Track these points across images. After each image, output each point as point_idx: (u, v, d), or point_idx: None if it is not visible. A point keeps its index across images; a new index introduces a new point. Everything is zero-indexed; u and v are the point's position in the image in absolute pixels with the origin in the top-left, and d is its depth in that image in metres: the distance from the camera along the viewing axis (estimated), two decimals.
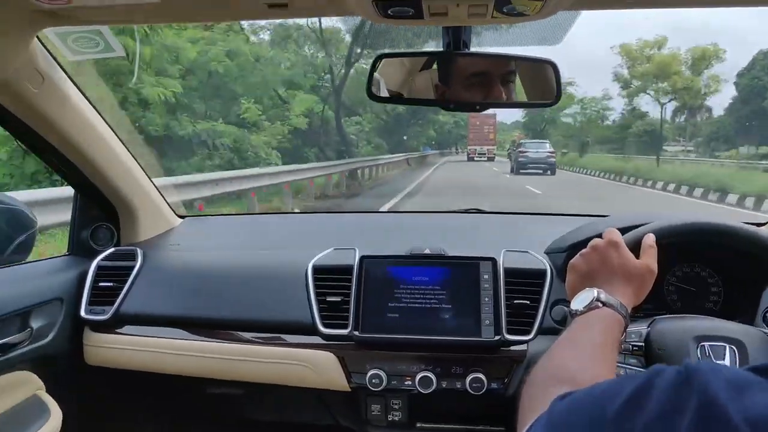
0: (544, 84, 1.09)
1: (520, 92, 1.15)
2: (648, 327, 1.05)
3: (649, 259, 0.94)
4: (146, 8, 0.94)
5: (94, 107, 1.39)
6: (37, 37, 1.15)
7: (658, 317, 1.07)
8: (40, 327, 1.38)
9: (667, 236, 1.07)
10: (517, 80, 1.14)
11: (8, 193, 1.51)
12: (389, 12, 0.88)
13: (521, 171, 23.01)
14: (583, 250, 0.97)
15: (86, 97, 1.36)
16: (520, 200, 13.33)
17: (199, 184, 8.61)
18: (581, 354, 0.78)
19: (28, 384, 1.34)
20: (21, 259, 1.34)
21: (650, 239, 0.97)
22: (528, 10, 0.88)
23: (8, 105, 1.20)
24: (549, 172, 23.36)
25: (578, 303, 0.89)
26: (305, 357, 1.36)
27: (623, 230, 1.06)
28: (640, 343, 1.03)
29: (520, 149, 25.42)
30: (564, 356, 0.78)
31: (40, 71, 1.18)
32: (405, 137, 31.43)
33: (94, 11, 0.97)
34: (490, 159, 36.42)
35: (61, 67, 1.25)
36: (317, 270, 1.40)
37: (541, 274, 1.35)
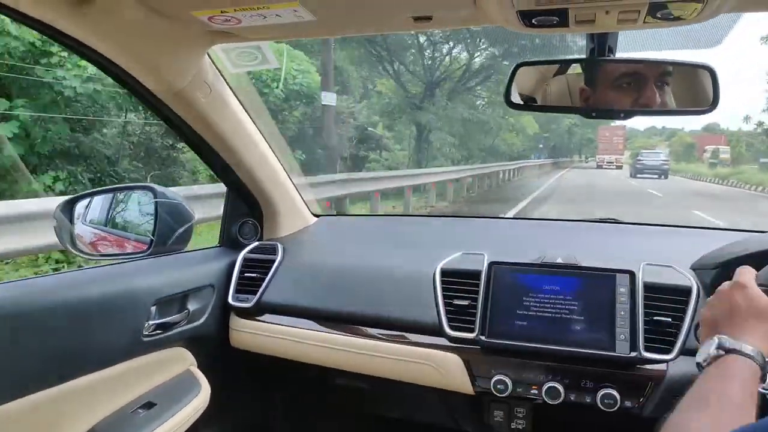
0: (698, 90, 1.02)
1: (670, 98, 1.08)
2: None
3: None
4: (304, 25, 1.03)
5: (249, 115, 1.53)
6: (208, 53, 1.29)
7: None
8: (195, 310, 1.52)
9: None
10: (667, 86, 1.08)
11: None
12: (533, 21, 0.88)
13: (638, 175, 27.29)
14: (710, 298, 0.91)
15: (243, 106, 1.50)
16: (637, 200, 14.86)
17: (328, 184, 9.15)
18: (712, 417, 0.71)
19: (184, 359, 1.49)
20: (180, 249, 1.46)
21: None
22: (685, 14, 0.85)
23: (180, 112, 1.36)
24: (663, 176, 27.17)
25: (701, 354, 0.82)
26: (430, 357, 1.39)
27: None
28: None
29: (637, 158, 30.43)
30: (691, 422, 0.72)
31: (208, 83, 1.33)
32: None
33: (258, 29, 1.08)
34: (618, 167, 36.81)
35: (224, 78, 1.40)
36: (445, 273, 1.43)
37: (686, 291, 1.26)
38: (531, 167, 28.09)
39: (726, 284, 0.90)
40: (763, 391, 0.87)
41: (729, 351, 0.80)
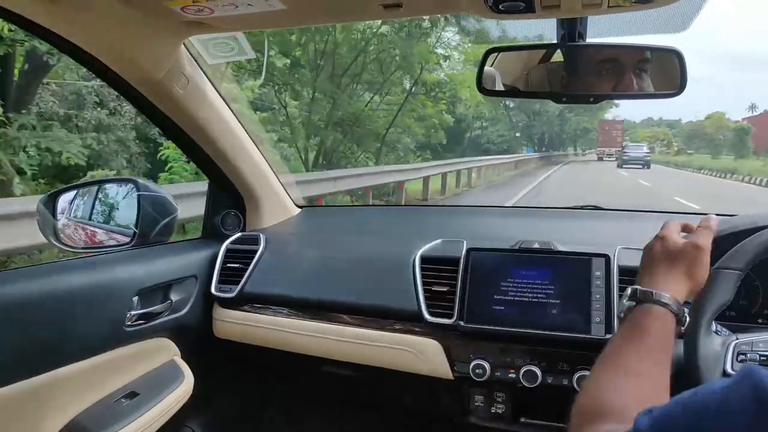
0: (667, 74, 1.04)
1: (648, 83, 1.10)
2: None
3: (697, 237, 0.87)
4: (275, 15, 1.04)
5: (228, 106, 1.53)
6: (184, 43, 1.30)
7: None
8: (178, 300, 1.53)
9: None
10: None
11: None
12: (500, 7, 0.89)
13: (624, 165, 31.23)
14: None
15: (222, 97, 1.50)
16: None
17: (319, 181, 9.11)
18: (623, 376, 0.72)
19: (167, 350, 1.50)
20: (164, 240, 1.49)
21: (709, 220, 0.91)
22: None
23: (158, 104, 1.37)
24: (645, 166, 31.09)
25: (618, 307, 0.86)
26: (411, 343, 1.41)
27: (738, 233, 0.99)
28: None
29: (623, 150, 35.53)
30: (606, 381, 0.73)
31: (185, 74, 1.33)
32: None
33: (232, 19, 1.09)
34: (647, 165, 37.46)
35: (202, 69, 1.40)
36: (424, 260, 1.44)
37: None
38: (499, 166, 22.99)
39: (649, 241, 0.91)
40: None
41: (641, 301, 0.80)
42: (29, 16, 1.02)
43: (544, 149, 40.78)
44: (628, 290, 0.83)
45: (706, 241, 0.87)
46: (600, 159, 40.74)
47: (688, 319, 0.86)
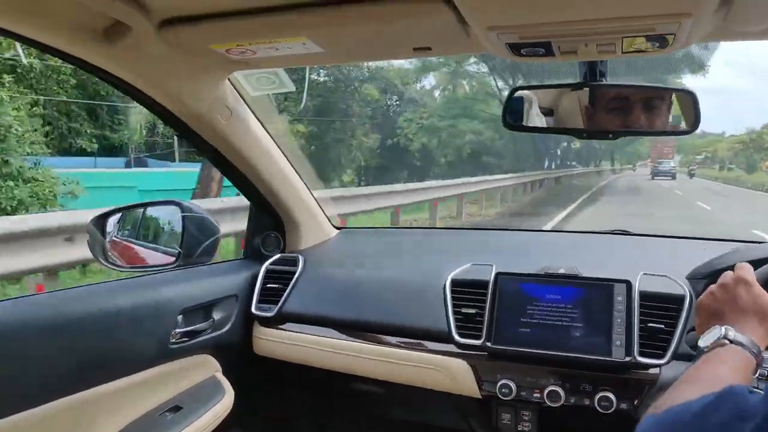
0: (682, 112, 1.08)
1: (660, 120, 1.14)
2: None
3: None
4: (313, 55, 1.12)
5: (269, 134, 1.63)
6: (228, 79, 1.40)
7: None
8: (220, 318, 1.61)
9: None
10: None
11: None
12: (522, 52, 0.95)
13: (655, 177, 37.74)
14: (712, 287, 0.95)
15: (263, 126, 1.60)
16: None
17: (353, 198, 9.25)
18: (704, 391, 0.75)
19: (209, 366, 1.58)
20: (207, 260, 1.55)
21: None
22: (661, 45, 0.91)
23: (203, 134, 1.47)
24: (672, 178, 37.09)
25: (705, 340, 0.87)
26: (440, 363, 1.45)
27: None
28: None
29: (654, 165, 42.26)
30: (684, 394, 0.75)
31: (228, 106, 1.43)
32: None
33: (272, 59, 1.18)
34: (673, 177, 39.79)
35: (245, 101, 1.50)
36: (455, 283, 1.49)
37: (680, 299, 1.32)
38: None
39: (729, 276, 0.94)
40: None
41: (732, 341, 0.84)
42: (86, 58, 1.13)
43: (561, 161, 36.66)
44: (723, 329, 0.86)
45: None
46: (654, 176, 40.18)
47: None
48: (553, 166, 31.61)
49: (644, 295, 1.33)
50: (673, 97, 1.08)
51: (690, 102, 1.05)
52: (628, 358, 1.27)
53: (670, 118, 1.08)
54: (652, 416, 0.54)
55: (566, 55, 0.95)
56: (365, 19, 0.97)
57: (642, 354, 1.27)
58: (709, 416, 0.47)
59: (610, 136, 1.12)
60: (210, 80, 1.36)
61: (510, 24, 0.88)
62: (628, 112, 1.08)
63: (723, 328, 0.86)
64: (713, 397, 0.49)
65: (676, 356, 1.26)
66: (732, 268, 1.13)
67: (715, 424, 0.46)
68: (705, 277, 1.33)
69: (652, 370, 1.28)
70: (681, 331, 1.28)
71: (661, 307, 1.32)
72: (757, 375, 0.88)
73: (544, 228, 9.26)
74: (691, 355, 1.23)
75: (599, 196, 20.46)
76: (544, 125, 1.18)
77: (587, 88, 1.13)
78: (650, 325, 1.30)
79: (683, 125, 1.08)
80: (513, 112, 1.18)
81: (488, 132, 23.80)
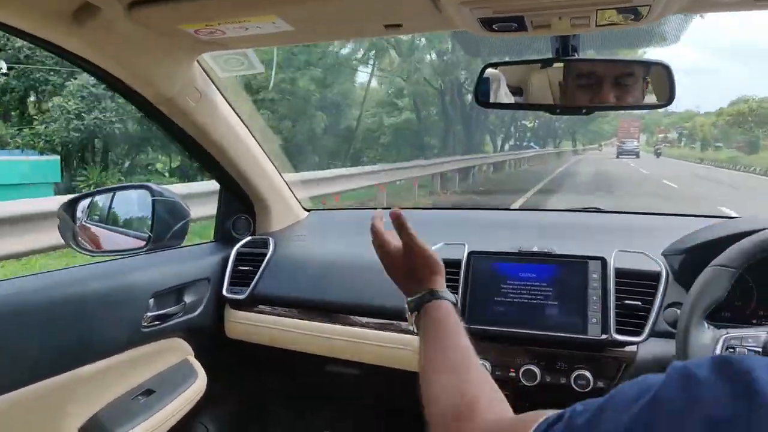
0: (656, 86, 1.09)
1: (632, 95, 1.14)
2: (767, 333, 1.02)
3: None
4: (283, 34, 1.10)
5: (238, 116, 1.60)
6: (197, 61, 1.36)
7: None
8: (191, 302, 1.60)
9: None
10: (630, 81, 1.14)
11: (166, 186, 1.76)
12: (494, 27, 0.94)
13: (620, 156, 39.05)
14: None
15: (233, 108, 1.57)
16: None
17: (330, 180, 9.13)
18: (460, 372, 0.80)
19: (181, 349, 1.57)
20: (177, 244, 1.53)
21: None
22: (636, 16, 0.91)
23: (172, 117, 1.44)
24: (636, 156, 38.67)
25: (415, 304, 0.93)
26: (413, 342, 1.44)
27: (743, 234, 1.04)
28: (758, 349, 1.02)
29: (619, 144, 44.22)
30: (439, 382, 0.80)
31: (198, 88, 1.40)
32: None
33: (242, 39, 1.15)
34: (637, 155, 41.22)
35: (214, 83, 1.47)
36: None
37: (656, 276, 1.33)
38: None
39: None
40: None
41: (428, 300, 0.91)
42: (52, 39, 1.09)
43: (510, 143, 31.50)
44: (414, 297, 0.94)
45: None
46: (619, 155, 41.27)
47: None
48: (506, 148, 27.93)
49: (620, 272, 1.34)
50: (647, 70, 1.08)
51: (665, 75, 1.05)
52: (604, 336, 1.27)
53: (644, 93, 1.08)
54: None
55: (539, 29, 0.95)
56: None
57: (618, 332, 1.28)
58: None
59: (584, 111, 1.12)
60: (179, 62, 1.32)
61: None
62: (601, 87, 1.07)
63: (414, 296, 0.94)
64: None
65: (653, 333, 1.27)
66: (709, 243, 1.15)
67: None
68: (681, 253, 1.34)
69: (629, 348, 1.29)
70: (658, 308, 1.29)
71: (637, 284, 1.33)
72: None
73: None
74: (669, 332, 1.24)
75: (550, 196, 13.46)
76: (517, 102, 1.18)
77: (559, 64, 1.13)
78: (626, 302, 1.31)
79: (657, 99, 1.08)
80: (484, 90, 1.18)
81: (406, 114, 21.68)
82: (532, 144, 34.80)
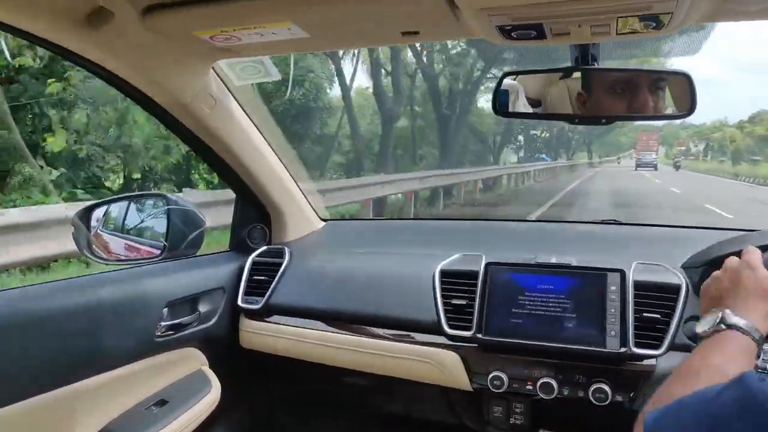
0: (677, 96, 1.06)
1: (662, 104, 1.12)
2: None
3: None
4: (299, 41, 1.09)
5: (254, 124, 1.60)
6: (212, 68, 1.37)
7: None
8: (206, 311, 1.59)
9: None
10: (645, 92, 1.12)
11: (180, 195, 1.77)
12: (513, 35, 0.93)
13: (638, 168, 41.40)
14: (716, 272, 0.92)
15: (249, 116, 1.57)
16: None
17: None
18: (696, 385, 0.71)
19: (195, 359, 1.56)
20: (192, 253, 1.53)
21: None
22: (657, 24, 0.89)
23: (187, 124, 1.44)
24: (654, 169, 41.18)
25: (702, 325, 0.84)
26: (430, 355, 1.44)
27: (766, 247, 1.01)
28: None
29: (638, 157, 46.42)
30: (678, 390, 0.72)
31: (213, 95, 1.40)
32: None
33: (258, 46, 1.15)
34: (655, 168, 42.93)
35: (230, 90, 1.47)
36: (444, 274, 1.47)
37: (675, 288, 1.30)
38: None
39: (734, 261, 0.91)
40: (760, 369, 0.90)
41: (730, 326, 0.81)
42: (66, 45, 1.10)
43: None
44: (720, 313, 0.83)
45: None
46: (637, 168, 43.09)
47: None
48: (516, 160, 26.51)
49: (639, 285, 1.31)
50: (667, 80, 1.06)
51: (685, 85, 1.02)
52: (623, 349, 1.25)
53: (665, 103, 1.06)
54: (655, 412, 0.51)
55: (558, 37, 0.93)
56: (351, 1, 0.94)
57: (637, 345, 1.25)
58: (719, 398, 0.45)
59: (603, 121, 1.10)
60: (194, 69, 1.33)
61: (502, 5, 0.85)
62: (622, 97, 1.06)
63: (720, 312, 0.83)
64: (721, 386, 0.47)
65: (673, 347, 1.24)
66: (725, 256, 1.11)
67: (726, 403, 0.44)
68: (701, 265, 1.31)
69: (647, 361, 1.27)
70: (678, 321, 1.26)
71: (656, 297, 1.30)
72: (759, 361, 0.86)
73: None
74: (688, 345, 1.21)
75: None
76: (536, 111, 1.16)
77: (578, 73, 1.11)
78: (645, 315, 1.27)
79: (678, 110, 1.06)
80: (502, 99, 1.16)
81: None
82: (543, 156, 32.77)
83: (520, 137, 28.23)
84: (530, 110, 1.15)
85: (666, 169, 40.66)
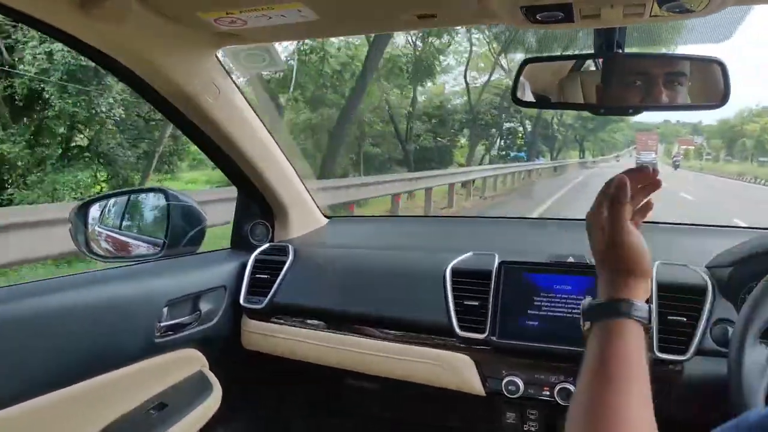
0: (709, 85, 1.00)
1: (682, 95, 1.06)
2: None
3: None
4: (308, 25, 1.03)
5: (258, 116, 1.54)
6: (216, 55, 1.30)
7: None
8: (207, 311, 1.54)
9: None
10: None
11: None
12: (538, 17, 0.87)
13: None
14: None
15: (252, 107, 1.50)
16: None
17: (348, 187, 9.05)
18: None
19: (196, 361, 1.50)
20: (193, 251, 1.48)
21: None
22: (694, 6, 0.83)
23: (189, 114, 1.38)
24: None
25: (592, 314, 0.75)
26: (441, 357, 1.38)
27: None
28: None
29: (638, 156, 45.29)
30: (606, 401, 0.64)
31: (216, 85, 1.34)
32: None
33: (264, 30, 1.09)
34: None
35: (233, 80, 1.41)
36: (456, 273, 1.42)
37: (701, 290, 1.24)
38: None
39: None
40: None
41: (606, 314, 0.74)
42: (64, 29, 1.04)
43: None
44: (585, 302, 0.76)
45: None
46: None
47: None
48: (487, 160, 21.35)
49: (662, 286, 1.25)
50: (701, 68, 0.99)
51: (718, 73, 0.96)
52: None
53: (696, 92, 1.00)
54: None
55: (587, 20, 0.87)
56: None
57: (661, 349, 1.19)
58: None
59: (630, 111, 1.03)
60: (197, 55, 1.27)
61: None
62: (650, 85, 0.99)
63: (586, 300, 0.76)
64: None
65: (699, 351, 1.18)
66: (760, 255, 1.06)
67: None
68: (729, 265, 1.25)
69: (672, 367, 1.20)
70: (705, 325, 1.19)
71: (681, 299, 1.24)
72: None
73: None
74: (717, 350, 1.15)
75: None
76: (561, 101, 1.10)
77: (601, 60, 1.05)
78: (670, 318, 1.21)
79: (709, 99, 0.99)
80: (522, 87, 1.10)
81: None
82: (522, 155, 26.62)
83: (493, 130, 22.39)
84: (554, 99, 1.09)
85: (666, 169, 40.26)
